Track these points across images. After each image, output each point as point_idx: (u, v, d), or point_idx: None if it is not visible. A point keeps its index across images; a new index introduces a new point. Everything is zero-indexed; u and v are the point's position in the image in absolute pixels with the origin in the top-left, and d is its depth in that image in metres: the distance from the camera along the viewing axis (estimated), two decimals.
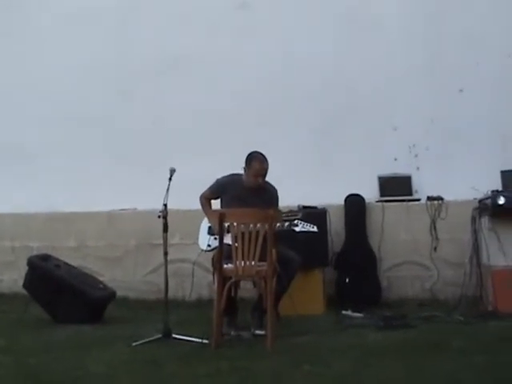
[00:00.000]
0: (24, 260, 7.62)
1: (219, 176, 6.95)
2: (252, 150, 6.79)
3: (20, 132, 8.81)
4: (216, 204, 6.95)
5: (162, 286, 6.59)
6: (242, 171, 6.79)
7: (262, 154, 6.73)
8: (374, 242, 7.99)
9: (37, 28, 8.90)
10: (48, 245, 8.36)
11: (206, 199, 6.96)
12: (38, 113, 8.81)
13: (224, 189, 6.82)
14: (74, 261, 7.93)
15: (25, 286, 7.45)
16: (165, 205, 6.39)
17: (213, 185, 6.93)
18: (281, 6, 8.52)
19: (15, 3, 8.98)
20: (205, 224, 6.95)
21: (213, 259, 6.53)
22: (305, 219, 6.70)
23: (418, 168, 8.28)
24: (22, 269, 7.61)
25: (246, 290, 7.09)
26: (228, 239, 6.18)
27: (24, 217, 8.69)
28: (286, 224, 6.58)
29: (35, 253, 8.07)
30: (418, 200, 8.12)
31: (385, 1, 8.41)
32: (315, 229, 6.69)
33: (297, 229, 6.59)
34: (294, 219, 6.62)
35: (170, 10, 8.63)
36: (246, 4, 8.55)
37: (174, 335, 6.25)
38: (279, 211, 6.49)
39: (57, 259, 7.59)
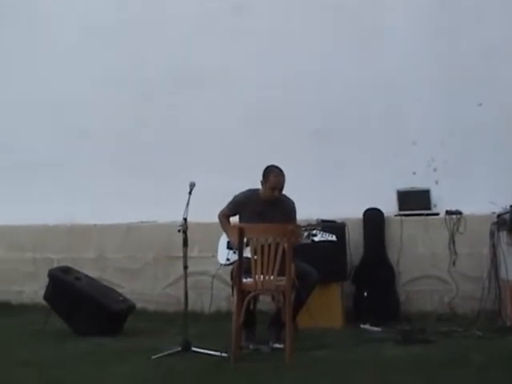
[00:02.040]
0: (45, 271, 7.71)
1: (237, 190, 7.00)
2: (270, 164, 6.85)
3: (39, 146, 8.90)
4: (236, 218, 7.01)
5: (181, 299, 6.63)
6: (259, 186, 6.85)
7: (278, 167, 6.79)
8: (392, 256, 7.99)
9: (50, 45, 9.01)
10: (68, 256, 8.46)
11: (224, 216, 7.02)
12: (57, 127, 8.92)
13: (242, 205, 6.89)
14: (93, 273, 8.02)
15: (45, 297, 7.51)
16: (185, 219, 6.44)
17: (230, 202, 6.99)
18: (287, 26, 8.54)
19: (29, 20, 9.10)
20: (224, 239, 7.00)
21: (232, 273, 6.58)
22: (324, 231, 6.70)
23: (436, 182, 8.27)
24: (43, 280, 7.70)
25: (265, 303, 7.11)
26: (247, 252, 6.23)
27: (45, 229, 8.80)
28: (305, 235, 6.59)
29: (56, 264, 8.20)
30: (437, 214, 8.11)
31: (399, 14, 8.38)
32: (334, 238, 6.65)
33: (316, 239, 6.56)
34: (313, 230, 6.63)
35: (183, 30, 8.71)
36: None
37: (193, 348, 6.28)
38: (298, 226, 6.51)
39: (77, 271, 7.66)
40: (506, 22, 8.21)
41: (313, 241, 6.54)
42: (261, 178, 6.82)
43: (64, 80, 8.88)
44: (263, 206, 6.76)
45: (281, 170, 6.78)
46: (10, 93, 9.08)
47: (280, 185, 6.76)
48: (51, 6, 9.04)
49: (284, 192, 6.82)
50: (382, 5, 8.46)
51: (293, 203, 6.88)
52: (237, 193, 7.03)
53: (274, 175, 6.75)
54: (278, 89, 8.45)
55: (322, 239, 6.54)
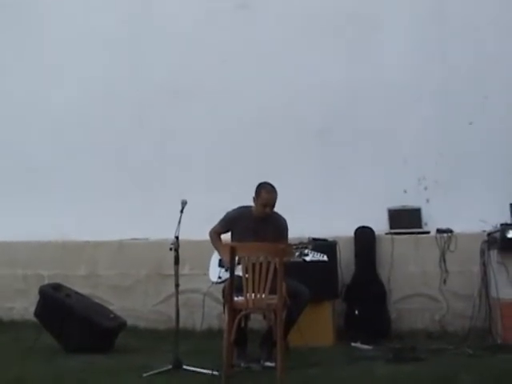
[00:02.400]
0: (36, 288, 7.69)
1: (229, 208, 7.02)
2: (262, 181, 6.88)
3: (32, 161, 8.94)
4: (226, 236, 7.02)
5: (173, 316, 6.64)
6: (251, 203, 6.87)
7: (271, 184, 6.83)
8: (383, 274, 8.01)
9: (50, 53, 9.05)
10: (59, 273, 8.45)
11: (216, 234, 7.03)
12: (50, 142, 8.95)
13: (234, 222, 6.91)
14: (84, 289, 8.02)
15: (36, 314, 7.50)
16: (176, 237, 6.45)
17: (223, 219, 7.01)
18: (286, 38, 8.58)
19: (28, 28, 9.13)
20: (215, 257, 7.00)
21: (223, 291, 6.59)
22: (315, 250, 6.73)
23: (427, 200, 8.31)
24: (34, 297, 7.68)
25: (256, 321, 7.10)
26: (238, 271, 6.23)
27: (36, 245, 8.77)
28: (297, 254, 6.61)
29: (47, 281, 8.18)
30: (428, 232, 8.15)
31: (392, 37, 8.45)
32: (325, 258, 6.69)
33: (307, 258, 6.60)
34: (305, 249, 6.66)
35: (180, 40, 8.76)
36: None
37: (184, 366, 6.27)
38: (290, 245, 6.53)
39: (68, 288, 7.64)
40: (496, 44, 8.29)
41: (304, 260, 6.56)
42: (253, 195, 6.85)
43: (58, 93, 8.94)
44: (255, 223, 6.79)
45: (273, 187, 6.81)
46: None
47: (272, 201, 6.79)
48: (50, 12, 9.09)
49: (276, 210, 6.85)
50: (375, 26, 8.51)
51: (285, 221, 6.92)
52: (229, 210, 7.04)
53: (265, 191, 6.79)
54: (274, 110, 8.52)
55: (314, 259, 6.56)
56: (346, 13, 8.51)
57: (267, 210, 6.80)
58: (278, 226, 6.83)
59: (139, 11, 8.91)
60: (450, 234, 8.01)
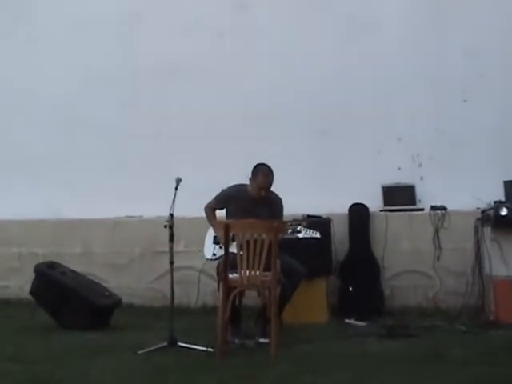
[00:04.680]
0: (30, 266, 7.71)
1: (224, 185, 7.02)
2: (256, 160, 6.88)
3: (26, 139, 8.90)
4: (221, 213, 7.03)
5: (168, 293, 6.65)
6: (246, 181, 6.87)
7: (268, 166, 6.80)
8: (377, 251, 8.04)
9: (41, 36, 9.00)
10: (54, 251, 8.46)
11: (211, 209, 7.02)
12: (44, 121, 8.92)
13: (229, 199, 6.90)
14: (79, 267, 8.01)
15: (31, 292, 7.52)
16: (171, 214, 6.45)
17: (218, 195, 7.00)
18: (282, 18, 8.59)
19: (22, 11, 9.08)
20: (210, 233, 7.01)
21: (218, 268, 6.61)
22: (309, 227, 6.74)
23: (421, 178, 8.32)
24: (29, 275, 7.69)
25: (250, 297, 7.11)
26: (233, 248, 6.25)
27: (30, 223, 8.77)
28: (290, 231, 6.63)
29: (41, 259, 8.18)
30: (422, 209, 8.16)
31: (388, 12, 8.44)
32: (318, 235, 6.72)
33: (300, 235, 6.63)
34: (298, 226, 6.67)
35: (172, 20, 8.73)
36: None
37: (179, 343, 6.29)
38: (284, 222, 6.54)
39: (63, 266, 7.67)
40: (489, 24, 8.27)
41: (297, 237, 6.58)
42: (248, 174, 6.83)
43: (49, 75, 8.88)
44: (250, 203, 6.77)
45: (270, 169, 6.78)
46: None
47: (268, 184, 6.77)
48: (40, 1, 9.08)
49: (272, 187, 6.84)
50: (373, 5, 8.50)
51: (280, 200, 6.89)
52: (224, 187, 7.04)
53: (262, 174, 6.76)
54: (266, 89, 8.49)
55: (306, 236, 6.58)
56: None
57: (263, 193, 6.77)
58: (273, 207, 6.79)
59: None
60: (443, 211, 8.03)
